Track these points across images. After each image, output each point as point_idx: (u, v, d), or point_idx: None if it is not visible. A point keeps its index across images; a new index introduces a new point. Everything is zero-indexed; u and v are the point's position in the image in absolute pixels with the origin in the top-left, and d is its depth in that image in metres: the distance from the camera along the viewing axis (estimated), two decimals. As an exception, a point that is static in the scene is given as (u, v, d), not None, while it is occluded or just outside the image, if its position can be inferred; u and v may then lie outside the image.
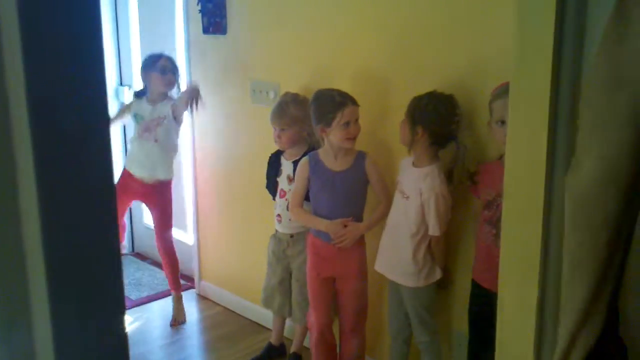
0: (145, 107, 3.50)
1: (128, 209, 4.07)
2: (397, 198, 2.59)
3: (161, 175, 3.55)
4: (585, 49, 0.88)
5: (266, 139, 3.42)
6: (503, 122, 2.17)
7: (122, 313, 0.54)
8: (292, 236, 3.06)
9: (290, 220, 3.00)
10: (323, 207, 2.78)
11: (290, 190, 2.96)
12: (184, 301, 3.75)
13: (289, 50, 3.20)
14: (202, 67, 3.70)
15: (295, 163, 2.96)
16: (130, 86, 4.58)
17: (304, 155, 2.93)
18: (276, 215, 3.08)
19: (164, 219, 3.64)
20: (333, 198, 2.74)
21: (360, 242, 2.79)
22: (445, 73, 2.54)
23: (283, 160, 3.07)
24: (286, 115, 2.94)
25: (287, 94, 3.04)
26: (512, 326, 1.00)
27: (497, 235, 2.27)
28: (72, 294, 0.48)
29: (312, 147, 2.95)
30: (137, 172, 3.55)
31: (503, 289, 1.02)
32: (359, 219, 2.75)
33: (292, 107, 2.94)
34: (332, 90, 2.72)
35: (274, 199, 3.11)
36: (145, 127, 3.49)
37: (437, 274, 2.58)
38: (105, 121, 0.51)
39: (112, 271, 0.50)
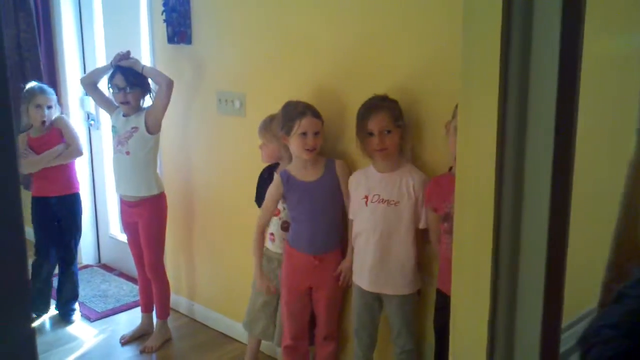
0: (120, 119, 3.43)
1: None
2: (380, 209, 2.54)
3: (142, 191, 3.42)
4: (532, 58, 0.89)
5: (233, 149, 3.42)
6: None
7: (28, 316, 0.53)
8: (281, 254, 2.97)
9: (283, 239, 2.93)
10: (305, 219, 2.79)
11: (284, 209, 2.90)
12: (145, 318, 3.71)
13: (255, 60, 3.19)
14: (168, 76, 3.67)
15: None
16: (95, 96, 4.53)
17: None
18: (269, 234, 3.01)
19: (151, 241, 3.46)
20: (312, 207, 2.77)
21: (337, 250, 2.82)
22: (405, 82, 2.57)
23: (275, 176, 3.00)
24: (267, 131, 2.93)
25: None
26: (465, 335, 1.01)
27: None
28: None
29: None
30: (121, 191, 3.48)
31: (455, 297, 1.03)
32: (338, 222, 2.78)
33: (275, 122, 2.88)
34: (300, 101, 2.75)
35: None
36: (119, 140, 3.41)
37: (420, 279, 2.61)
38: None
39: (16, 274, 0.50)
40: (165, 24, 3.55)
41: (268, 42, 3.10)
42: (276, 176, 2.84)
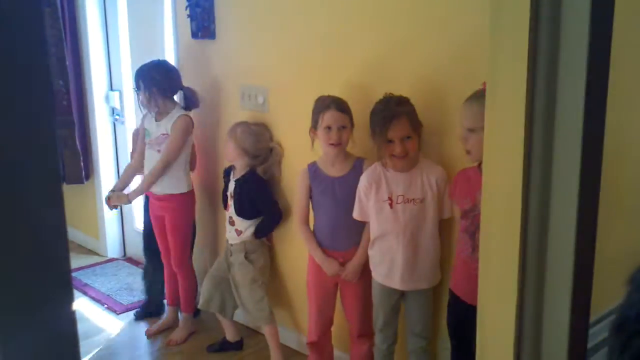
0: (152, 123, 3.45)
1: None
2: (408, 210, 2.52)
3: (170, 189, 3.45)
4: (561, 53, 0.88)
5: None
6: (471, 130, 2.18)
7: (70, 305, 0.55)
8: (231, 245, 3.27)
9: (229, 232, 3.27)
10: (325, 212, 2.81)
11: (231, 205, 3.24)
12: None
13: (278, 55, 3.20)
14: (191, 72, 3.69)
15: (237, 181, 3.21)
16: (120, 91, 4.58)
17: (244, 175, 3.19)
18: (226, 224, 3.32)
19: (177, 237, 3.50)
20: (334, 204, 2.76)
21: (358, 248, 2.77)
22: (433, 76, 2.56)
23: (232, 176, 3.29)
24: (231, 132, 3.22)
25: (252, 124, 3.27)
26: (492, 342, 1.00)
27: (474, 248, 2.27)
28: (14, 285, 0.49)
29: (253, 171, 3.20)
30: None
31: (482, 307, 1.02)
32: (359, 224, 2.72)
33: (239, 129, 3.19)
34: (329, 96, 2.73)
35: (225, 209, 3.36)
36: (151, 143, 3.46)
37: (440, 270, 2.61)
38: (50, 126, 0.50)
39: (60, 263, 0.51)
40: (189, 19, 3.57)
41: (291, 37, 3.11)
42: (303, 168, 2.86)
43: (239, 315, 3.45)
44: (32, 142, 0.47)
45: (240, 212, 3.20)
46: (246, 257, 3.22)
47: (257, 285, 3.22)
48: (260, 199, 3.21)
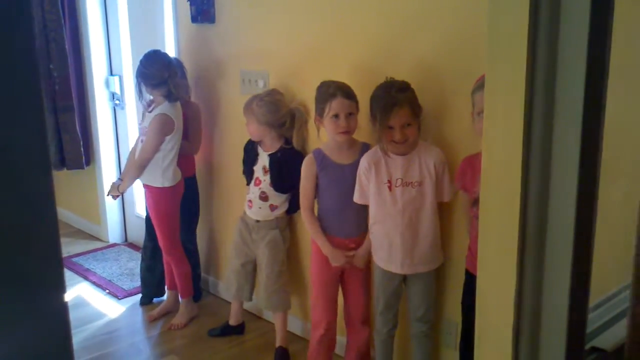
0: (145, 113, 3.46)
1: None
2: (406, 192, 2.51)
3: (146, 180, 3.46)
4: (560, 42, 0.87)
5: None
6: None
7: (62, 294, 0.54)
8: (257, 222, 3.16)
9: (260, 208, 3.14)
10: (332, 201, 2.77)
11: (265, 180, 3.09)
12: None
13: (278, 38, 3.18)
14: (191, 56, 3.68)
15: (272, 156, 3.09)
16: (120, 76, 4.57)
17: (280, 150, 3.05)
18: (247, 201, 3.20)
19: (159, 227, 3.50)
20: (344, 191, 2.71)
21: (367, 233, 2.74)
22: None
23: (260, 150, 3.15)
24: (246, 108, 3.08)
25: (268, 90, 3.12)
26: (491, 311, 1.00)
27: None
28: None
29: (286, 142, 3.08)
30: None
31: (482, 277, 1.02)
32: (366, 212, 2.69)
33: (254, 103, 3.05)
34: (333, 81, 2.68)
35: (247, 185, 3.21)
36: (140, 133, 3.48)
37: (442, 254, 2.61)
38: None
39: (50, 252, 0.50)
40: (188, 3, 3.54)
41: (291, 20, 3.09)
42: (309, 155, 2.82)
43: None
44: (18, 127, 0.46)
45: (277, 186, 3.09)
46: (281, 234, 3.14)
47: (285, 268, 3.17)
48: (299, 171, 2.97)
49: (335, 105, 2.61)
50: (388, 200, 2.54)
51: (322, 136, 2.83)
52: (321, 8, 2.93)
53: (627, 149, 1.85)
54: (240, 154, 3.37)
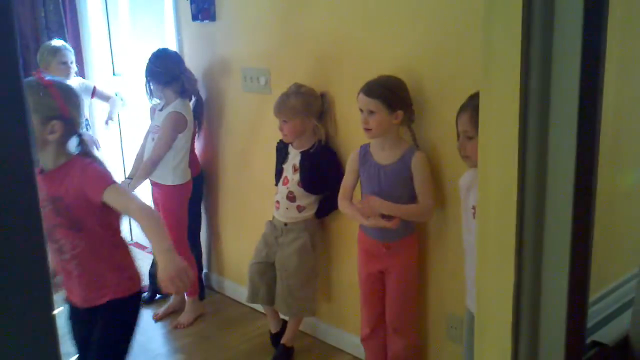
0: (156, 111, 3.48)
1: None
2: (472, 219, 2.18)
3: (159, 179, 3.46)
4: (553, 63, 0.87)
5: (257, 125, 3.41)
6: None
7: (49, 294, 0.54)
8: (285, 224, 3.04)
9: (287, 209, 3.01)
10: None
11: (293, 179, 2.98)
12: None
13: (278, 36, 3.17)
14: (192, 54, 3.68)
15: (303, 154, 2.97)
16: (122, 76, 4.57)
17: (312, 147, 2.95)
18: (275, 202, 3.08)
19: (169, 224, 3.36)
20: (377, 192, 2.59)
21: (410, 238, 2.65)
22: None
23: (291, 148, 3.04)
24: (285, 107, 2.91)
25: (293, 84, 2.98)
26: (490, 306, 1.00)
27: None
28: None
29: (320, 139, 2.97)
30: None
31: (480, 271, 1.02)
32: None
33: (292, 98, 2.90)
34: (378, 76, 2.57)
35: (276, 185, 3.11)
36: (151, 130, 3.50)
37: None
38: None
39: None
40: (189, 2, 3.54)
41: (291, 18, 3.08)
42: (355, 150, 2.72)
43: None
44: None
45: (307, 186, 2.97)
46: (311, 239, 3.02)
47: (314, 275, 3.06)
48: (332, 171, 2.93)
49: (359, 100, 2.55)
50: (471, 229, 2.22)
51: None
52: (321, 4, 2.92)
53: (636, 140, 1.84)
54: (243, 151, 3.37)
